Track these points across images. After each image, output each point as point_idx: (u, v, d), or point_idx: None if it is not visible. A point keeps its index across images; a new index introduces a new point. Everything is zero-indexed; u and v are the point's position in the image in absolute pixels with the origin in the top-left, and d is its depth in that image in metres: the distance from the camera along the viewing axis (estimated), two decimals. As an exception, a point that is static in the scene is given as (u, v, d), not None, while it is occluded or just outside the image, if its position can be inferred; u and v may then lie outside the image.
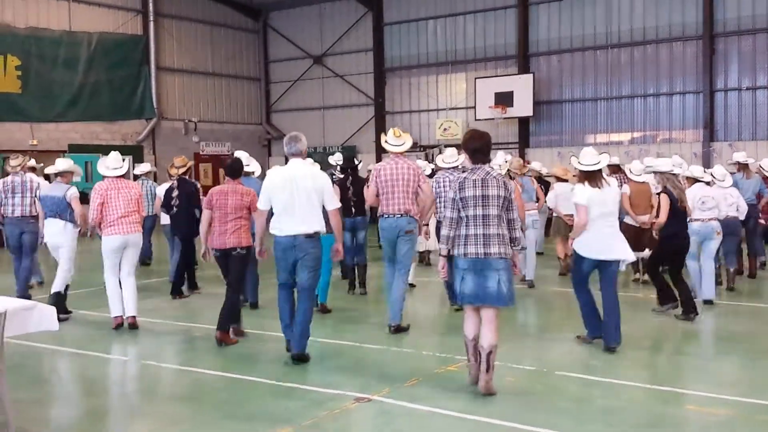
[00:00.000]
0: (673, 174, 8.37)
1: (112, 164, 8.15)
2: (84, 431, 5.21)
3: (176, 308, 9.39)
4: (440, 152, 21.31)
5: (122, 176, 8.18)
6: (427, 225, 8.82)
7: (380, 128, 23.80)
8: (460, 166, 8.94)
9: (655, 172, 8.60)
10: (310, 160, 7.81)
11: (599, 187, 6.86)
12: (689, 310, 8.16)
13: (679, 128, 19.76)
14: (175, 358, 7.09)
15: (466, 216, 5.54)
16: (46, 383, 6.36)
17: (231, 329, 7.40)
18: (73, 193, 8.69)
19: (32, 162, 11.45)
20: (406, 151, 8.08)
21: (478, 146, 5.65)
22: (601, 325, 6.98)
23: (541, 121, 21.34)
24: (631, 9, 20.02)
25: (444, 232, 5.63)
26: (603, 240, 6.86)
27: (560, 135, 21.03)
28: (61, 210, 8.66)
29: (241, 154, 9.39)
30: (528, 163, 14.25)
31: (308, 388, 5.84)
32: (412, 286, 10.12)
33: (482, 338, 5.59)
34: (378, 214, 7.94)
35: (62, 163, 9.02)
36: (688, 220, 8.54)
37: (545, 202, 11.30)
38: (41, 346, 7.15)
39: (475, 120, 21.73)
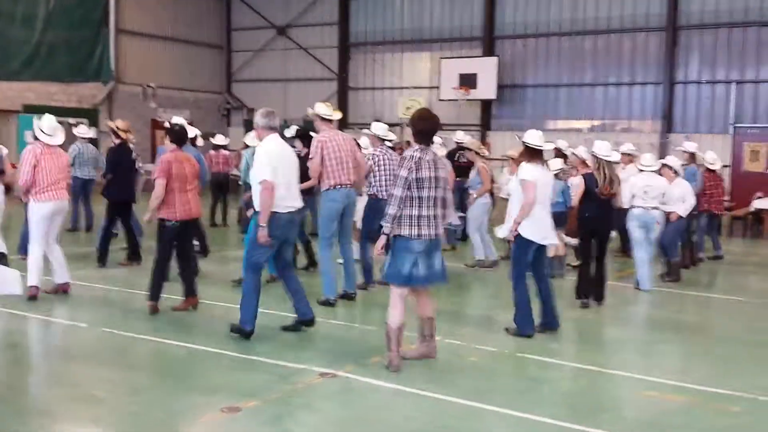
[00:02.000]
0: (608, 161, 8.13)
1: (47, 129, 7.78)
2: (44, 397, 5.11)
3: (129, 275, 9.21)
4: (402, 131, 21.39)
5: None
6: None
7: (343, 103, 23.66)
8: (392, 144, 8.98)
9: (593, 156, 8.40)
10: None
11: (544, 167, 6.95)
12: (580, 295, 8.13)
13: (638, 118, 20.06)
14: (132, 326, 6.94)
15: (420, 197, 5.47)
16: (2, 348, 6.20)
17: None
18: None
19: None
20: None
21: (427, 128, 5.65)
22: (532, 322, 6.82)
23: (504, 104, 21.43)
24: (597, -3, 20.17)
25: (391, 211, 5.48)
26: (546, 223, 6.86)
27: (521, 119, 21.14)
28: None
29: (180, 120, 9.09)
30: (487, 146, 14.05)
31: (272, 361, 5.81)
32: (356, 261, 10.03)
33: (426, 309, 5.85)
34: (325, 187, 7.70)
35: None
36: (629, 206, 8.86)
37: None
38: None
39: (438, 100, 21.71)
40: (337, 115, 8.02)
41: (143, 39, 23.40)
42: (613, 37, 20.07)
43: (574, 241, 8.81)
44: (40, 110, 19.33)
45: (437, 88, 21.76)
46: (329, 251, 7.78)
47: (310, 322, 6.69)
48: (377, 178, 8.40)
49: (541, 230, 6.80)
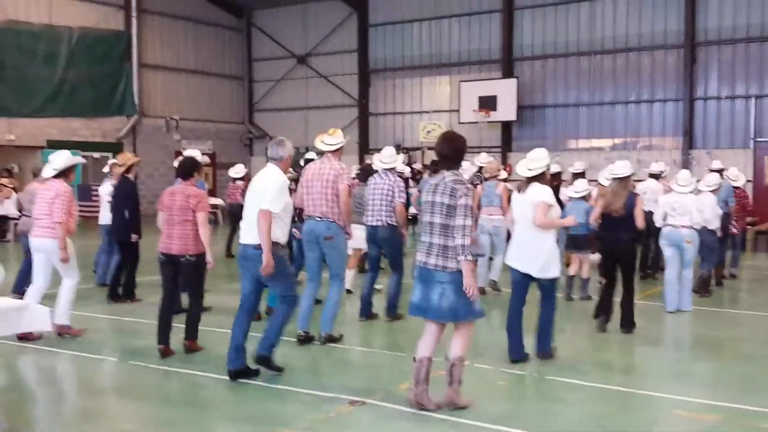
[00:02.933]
0: (620, 178, 7.97)
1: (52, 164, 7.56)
2: (76, 433, 5.17)
3: (148, 309, 9.27)
4: (423, 155, 21.47)
5: (55, 177, 7.48)
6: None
7: (364, 129, 23.86)
8: (397, 168, 8.52)
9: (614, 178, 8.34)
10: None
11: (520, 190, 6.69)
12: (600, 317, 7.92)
13: (659, 135, 20.00)
14: (162, 359, 7.00)
15: (424, 222, 5.30)
16: (35, 384, 6.28)
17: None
18: None
19: None
20: (340, 152, 7.39)
21: (446, 151, 5.29)
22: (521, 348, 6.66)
23: (524, 125, 21.47)
24: (614, 16, 20.23)
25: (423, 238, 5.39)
26: (517, 249, 6.73)
27: (543, 140, 21.14)
28: None
29: (193, 153, 9.02)
30: (508, 168, 13.82)
31: (301, 390, 5.82)
32: (349, 292, 9.73)
33: (450, 348, 5.31)
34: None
35: None
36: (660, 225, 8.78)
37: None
38: (28, 345, 7.05)
39: (459, 123, 21.81)
40: (334, 142, 7.36)
41: (165, 72, 23.81)
42: (632, 55, 20.08)
43: (596, 258, 8.83)
44: (63, 146, 19.77)
45: (457, 111, 21.88)
46: (310, 285, 7.38)
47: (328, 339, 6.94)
48: (368, 206, 8.25)
49: (512, 253, 6.73)
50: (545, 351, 6.69)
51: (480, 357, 6.77)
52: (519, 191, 6.75)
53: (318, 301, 7.67)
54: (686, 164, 18.70)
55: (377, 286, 9.85)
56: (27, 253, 8.63)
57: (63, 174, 7.50)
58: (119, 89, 21.97)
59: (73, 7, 21.21)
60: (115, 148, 21.22)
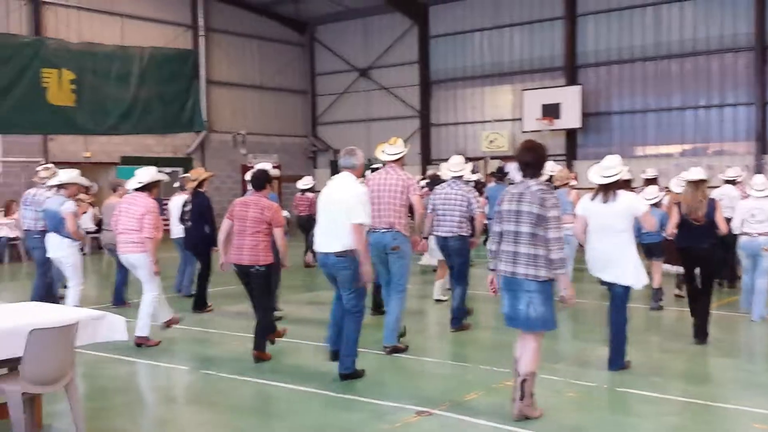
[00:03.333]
0: (695, 183, 7.81)
1: (138, 177, 7.88)
2: (151, 440, 5.32)
3: (227, 318, 9.49)
4: (486, 165, 21.35)
5: (144, 189, 7.77)
6: (426, 239, 8.19)
7: (426, 140, 23.89)
8: (465, 177, 8.52)
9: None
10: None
11: (604, 201, 6.53)
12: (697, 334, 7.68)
13: (730, 140, 19.44)
14: (233, 367, 7.15)
15: (503, 231, 5.27)
16: (111, 392, 6.48)
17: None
18: (68, 207, 8.30)
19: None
20: (401, 161, 7.42)
21: (529, 159, 5.29)
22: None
23: (589, 132, 21.16)
24: (680, 20, 19.79)
25: (490, 246, 5.43)
26: (595, 256, 6.68)
27: (608, 147, 20.72)
28: (56, 224, 8.34)
29: (264, 166, 9.23)
30: (574, 176, 13.53)
31: (368, 400, 5.86)
32: (438, 301, 9.98)
33: (520, 362, 5.29)
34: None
35: (65, 174, 8.57)
36: (738, 233, 8.54)
37: None
38: (105, 355, 7.29)
39: (522, 132, 21.67)
40: (396, 152, 7.39)
41: (232, 88, 24.35)
42: (700, 59, 19.61)
43: (674, 269, 8.64)
44: (137, 162, 20.51)
45: (520, 119, 21.71)
46: (387, 295, 7.45)
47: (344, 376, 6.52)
48: (438, 215, 8.22)
49: (591, 262, 6.70)
50: (619, 363, 6.57)
51: (547, 368, 6.70)
52: (594, 199, 6.59)
53: (381, 312, 7.74)
54: (760, 169, 18.10)
55: (443, 298, 9.88)
56: (120, 264, 9.14)
57: (147, 188, 7.74)
58: (188, 106, 22.54)
59: (143, 28, 21.91)
60: (185, 163, 21.80)
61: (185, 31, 22.99)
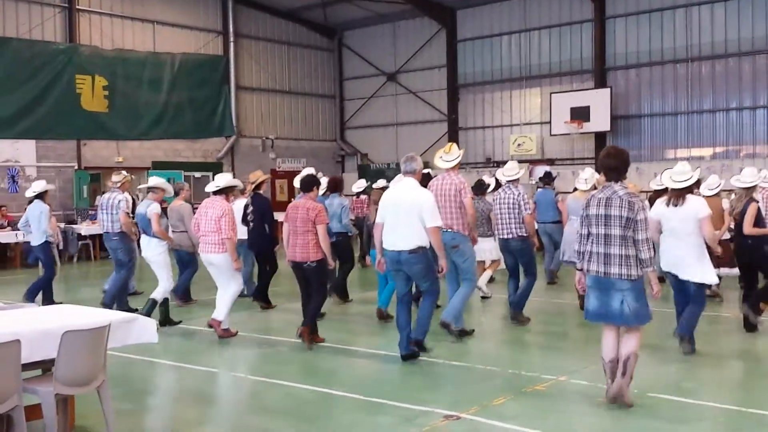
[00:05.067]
0: (746, 188, 8.38)
1: (215, 182, 8.56)
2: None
3: (257, 321, 9.58)
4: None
5: (218, 193, 8.36)
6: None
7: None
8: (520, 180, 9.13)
9: (745, 188, 8.41)
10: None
11: (674, 204, 7.06)
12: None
13: (763, 143, 19.15)
14: (264, 370, 7.24)
15: (590, 234, 5.63)
16: (142, 394, 6.57)
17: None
18: (153, 209, 9.09)
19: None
20: (457, 166, 8.08)
21: (613, 164, 5.64)
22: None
23: (619, 136, 20.98)
24: (711, 22, 19.56)
25: (575, 247, 5.82)
26: (674, 255, 7.10)
27: (639, 150, 20.62)
28: (145, 225, 9.16)
29: (310, 171, 9.65)
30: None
31: (396, 404, 5.88)
32: (485, 297, 10.56)
33: (621, 347, 5.67)
34: None
35: (153, 180, 9.53)
36: None
37: None
38: (135, 357, 7.40)
39: (551, 135, 21.59)
40: (452, 158, 7.99)
41: (261, 94, 24.55)
42: (731, 60, 19.36)
43: (730, 272, 8.98)
44: (168, 166, 20.78)
45: (549, 123, 21.60)
46: (450, 285, 8.11)
47: (405, 356, 7.13)
48: (499, 216, 8.86)
49: (667, 260, 7.10)
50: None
51: (575, 372, 6.67)
52: (668, 204, 7.08)
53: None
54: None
55: (486, 292, 10.38)
56: (180, 264, 10.36)
57: (223, 192, 8.40)
58: (218, 111, 22.73)
59: (174, 34, 22.18)
60: (216, 167, 21.99)
61: (215, 37, 23.23)
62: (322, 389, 6.36)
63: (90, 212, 18.04)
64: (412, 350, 7.10)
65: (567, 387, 6.31)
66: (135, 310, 8.47)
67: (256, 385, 6.71)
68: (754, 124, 19.28)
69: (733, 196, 9.32)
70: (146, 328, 5.40)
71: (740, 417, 5.56)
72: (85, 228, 17.10)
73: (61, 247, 13.16)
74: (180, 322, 9.18)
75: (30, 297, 10.25)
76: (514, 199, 8.75)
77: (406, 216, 6.88)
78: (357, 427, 5.41)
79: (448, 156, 8.02)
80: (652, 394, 6.03)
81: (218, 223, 8.09)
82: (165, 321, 8.97)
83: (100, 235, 16.59)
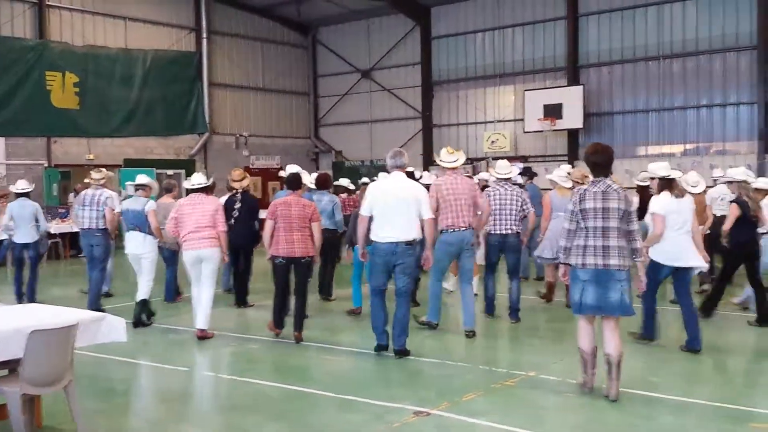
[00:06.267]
0: (746, 183, 8.70)
1: (194, 180, 8.71)
2: (151, 441, 5.35)
3: (230, 319, 9.54)
4: (488, 165, 21.35)
5: (201, 191, 8.48)
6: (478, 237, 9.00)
7: (427, 141, 23.90)
8: (512, 179, 9.25)
9: (730, 182, 8.69)
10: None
11: (678, 196, 7.29)
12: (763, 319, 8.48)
13: (733, 140, 19.40)
14: (235, 368, 7.23)
15: (586, 227, 5.72)
16: (112, 393, 6.52)
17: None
18: (150, 206, 9.14)
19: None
20: (460, 167, 8.36)
21: (599, 160, 5.81)
22: (655, 329, 7.52)
23: (592, 133, 21.14)
24: (683, 19, 19.77)
25: (561, 242, 5.87)
26: (680, 246, 7.26)
27: (611, 147, 20.74)
28: (140, 223, 9.10)
29: (295, 168, 9.63)
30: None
31: (367, 400, 5.90)
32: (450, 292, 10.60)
33: (608, 346, 5.78)
34: (440, 228, 8.04)
35: (141, 178, 9.56)
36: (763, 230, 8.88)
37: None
38: (107, 357, 7.34)
39: (524, 132, 21.70)
40: (457, 160, 8.16)
41: (234, 91, 24.41)
42: (702, 58, 19.58)
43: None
44: (140, 164, 20.58)
45: (522, 120, 21.72)
46: (437, 283, 8.29)
47: (397, 352, 7.23)
48: (493, 214, 8.88)
49: (672, 253, 7.24)
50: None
51: (543, 369, 6.73)
52: (674, 197, 7.29)
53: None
54: (762, 169, 18.10)
55: (449, 287, 10.47)
56: (167, 262, 10.39)
57: (208, 189, 8.78)
58: (191, 108, 22.55)
59: (146, 30, 21.96)
60: (188, 165, 21.85)
61: (188, 33, 23.05)
62: (294, 387, 6.37)
63: (60, 210, 17.81)
64: (406, 348, 7.23)
65: (536, 382, 6.37)
66: (104, 310, 8.41)
67: (227, 384, 6.69)
68: (724, 121, 19.53)
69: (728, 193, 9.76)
70: (115, 328, 5.36)
71: (707, 410, 5.65)
72: (55, 226, 16.88)
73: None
74: (152, 323, 9.10)
75: (32, 296, 10.33)
76: (516, 196, 8.89)
77: (406, 208, 7.03)
78: (327, 425, 5.41)
79: (450, 157, 8.15)
80: (621, 389, 6.09)
81: (214, 217, 8.22)
82: (138, 322, 8.92)
83: (71, 234, 16.67)
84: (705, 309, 8.63)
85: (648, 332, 7.60)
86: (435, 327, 8.36)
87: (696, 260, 7.37)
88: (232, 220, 10.11)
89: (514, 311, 8.98)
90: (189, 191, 8.68)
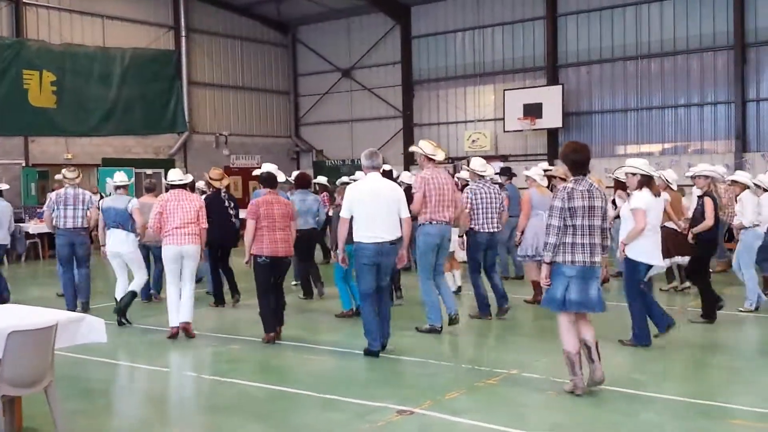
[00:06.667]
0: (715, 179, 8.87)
1: (174, 176, 8.66)
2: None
3: (213, 319, 9.49)
4: (467, 164, 21.41)
5: (183, 187, 8.52)
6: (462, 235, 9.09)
7: (408, 140, 23.89)
8: (488, 177, 9.15)
9: (700, 176, 8.71)
10: None
11: (656, 195, 7.38)
12: (710, 314, 8.60)
13: (710, 139, 19.62)
14: (216, 368, 7.18)
15: (573, 225, 5.75)
16: (93, 394, 6.46)
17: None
18: (134, 204, 9.14)
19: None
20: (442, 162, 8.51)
21: (579, 158, 5.88)
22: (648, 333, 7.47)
23: (571, 132, 21.27)
24: (660, 20, 19.94)
25: (550, 240, 5.80)
26: (657, 246, 7.39)
27: (590, 146, 20.84)
28: (123, 221, 9.07)
29: (270, 167, 9.61)
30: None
31: (349, 400, 5.89)
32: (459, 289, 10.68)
33: (586, 334, 5.89)
34: (422, 221, 8.03)
35: (120, 176, 9.55)
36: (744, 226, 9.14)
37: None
38: (88, 357, 7.26)
39: (504, 131, 21.80)
40: (441, 155, 8.20)
41: (214, 89, 24.29)
42: (680, 58, 19.77)
43: (681, 260, 9.39)
44: (119, 163, 20.40)
45: (502, 119, 21.80)
46: (429, 282, 8.14)
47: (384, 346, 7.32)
48: (474, 212, 8.81)
49: (650, 251, 7.34)
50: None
51: (526, 367, 6.76)
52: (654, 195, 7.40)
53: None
54: (740, 167, 18.28)
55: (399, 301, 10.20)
56: (155, 260, 10.16)
57: (189, 186, 8.91)
58: (170, 107, 22.34)
59: (124, 28, 21.79)
60: (167, 164, 21.66)
61: (167, 31, 22.89)
62: (276, 387, 6.34)
63: (38, 210, 17.60)
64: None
65: (519, 380, 6.40)
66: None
67: (209, 384, 6.65)
68: (701, 121, 19.73)
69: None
70: (95, 328, 5.31)
71: (688, 407, 5.70)
72: (33, 226, 16.70)
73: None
74: (131, 323, 9.02)
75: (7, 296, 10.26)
76: (498, 194, 8.96)
77: (388, 208, 7.10)
78: (311, 425, 5.40)
79: (436, 150, 8.15)
80: (603, 386, 6.13)
81: (198, 213, 8.29)
82: (124, 312, 8.94)
83: (49, 234, 16.47)
84: (706, 314, 8.57)
85: (642, 339, 7.47)
86: (440, 331, 8.14)
87: (662, 260, 7.60)
88: (233, 219, 10.22)
89: (502, 297, 8.99)
90: (170, 187, 8.59)
